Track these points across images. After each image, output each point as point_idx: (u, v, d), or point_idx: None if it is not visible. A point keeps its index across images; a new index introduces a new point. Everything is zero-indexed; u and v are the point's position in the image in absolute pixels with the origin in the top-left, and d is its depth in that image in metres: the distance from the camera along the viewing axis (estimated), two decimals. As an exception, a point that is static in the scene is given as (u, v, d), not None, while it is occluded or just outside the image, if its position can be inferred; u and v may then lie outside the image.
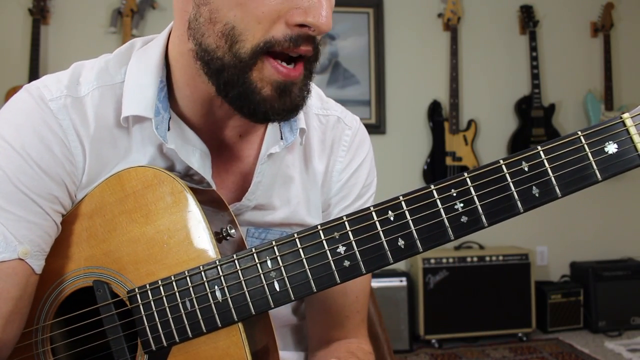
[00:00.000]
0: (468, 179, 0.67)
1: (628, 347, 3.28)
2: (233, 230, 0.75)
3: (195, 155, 0.80)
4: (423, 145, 3.77)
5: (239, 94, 0.72)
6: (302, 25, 0.69)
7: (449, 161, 3.69)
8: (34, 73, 3.27)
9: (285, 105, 0.73)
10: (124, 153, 0.80)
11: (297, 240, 0.71)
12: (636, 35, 4.03)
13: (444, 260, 3.40)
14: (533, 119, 3.76)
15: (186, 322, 0.73)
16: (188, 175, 0.81)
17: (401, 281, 3.35)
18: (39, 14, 3.34)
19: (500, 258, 3.44)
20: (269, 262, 0.71)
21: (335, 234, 0.70)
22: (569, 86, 3.93)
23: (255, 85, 0.71)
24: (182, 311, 0.73)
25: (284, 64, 0.71)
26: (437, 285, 3.38)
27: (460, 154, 3.70)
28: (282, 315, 0.93)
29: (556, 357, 3.16)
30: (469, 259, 3.42)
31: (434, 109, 3.75)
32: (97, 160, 0.79)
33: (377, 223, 0.69)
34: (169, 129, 0.79)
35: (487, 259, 3.43)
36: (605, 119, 3.78)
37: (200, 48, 0.73)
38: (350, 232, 0.69)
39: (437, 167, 3.70)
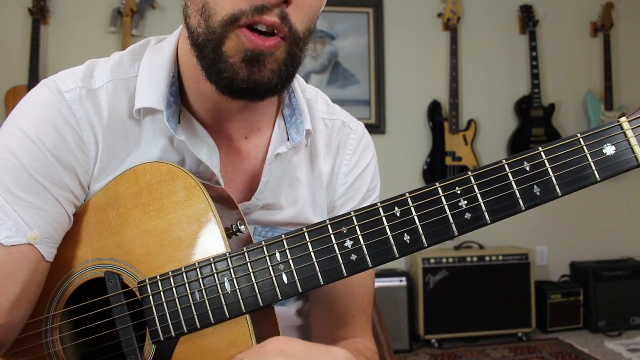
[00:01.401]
0: (472, 178, 0.69)
1: (628, 347, 3.29)
2: (243, 227, 0.77)
3: (204, 149, 0.82)
4: (423, 145, 3.78)
5: (209, 63, 0.73)
6: None
7: (449, 161, 3.70)
8: (34, 73, 3.28)
9: (254, 75, 0.72)
10: (134, 144, 0.82)
11: (305, 234, 0.72)
12: (636, 35, 4.05)
13: (444, 260, 3.41)
14: (533, 119, 3.77)
15: (195, 313, 0.74)
16: (198, 172, 0.83)
17: (401, 281, 3.36)
18: (39, 14, 3.35)
19: (500, 258, 3.45)
20: (278, 255, 0.73)
21: (343, 228, 0.71)
22: (569, 86, 3.94)
23: (225, 54, 0.72)
24: (192, 302, 0.74)
25: (256, 33, 0.71)
26: (437, 285, 3.39)
27: (460, 154, 3.71)
28: (287, 316, 0.95)
29: (556, 357, 3.17)
30: (469, 259, 3.43)
31: (434, 109, 3.76)
32: (109, 151, 0.81)
33: (383, 219, 0.70)
34: (179, 122, 0.81)
35: (487, 259, 3.44)
36: (605, 119, 3.83)
37: (190, 32, 0.75)
38: (357, 227, 0.71)
39: (437, 167, 3.71)
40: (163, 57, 0.83)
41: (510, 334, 3.47)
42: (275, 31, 0.71)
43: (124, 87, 0.83)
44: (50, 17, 3.44)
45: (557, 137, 3.77)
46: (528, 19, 3.82)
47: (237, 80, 0.72)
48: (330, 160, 0.94)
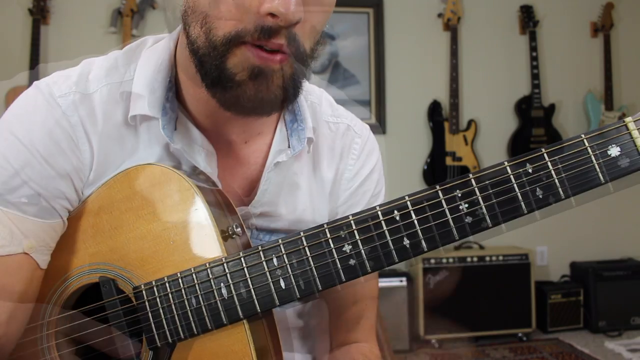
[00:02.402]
0: (473, 180, 0.68)
1: (628, 347, 3.28)
2: (239, 229, 0.76)
3: (201, 155, 0.80)
4: (423, 145, 3.77)
5: (213, 80, 0.71)
6: (272, 16, 0.66)
7: (449, 161, 3.69)
8: (34, 73, 3.27)
9: (261, 92, 0.70)
10: (130, 151, 0.80)
11: (303, 238, 0.71)
12: (636, 35, 4.04)
13: (444, 260, 3.40)
14: (533, 119, 3.76)
15: (192, 319, 0.73)
16: (194, 174, 0.81)
17: (401, 281, 3.35)
18: (39, 14, 3.34)
19: (500, 258, 3.44)
20: (274, 260, 0.72)
21: (341, 232, 0.70)
22: (569, 86, 3.93)
23: (230, 71, 0.69)
24: (188, 308, 0.73)
25: (262, 50, 0.69)
26: (437, 285, 3.38)
27: (460, 154, 3.70)
28: (286, 317, 0.93)
29: (556, 357, 3.16)
30: (469, 259, 3.42)
31: (434, 109, 3.75)
32: (104, 157, 0.79)
33: (382, 222, 0.69)
34: (175, 129, 0.79)
35: (487, 259, 3.43)
36: (605, 119, 3.81)
37: (189, 40, 0.73)
38: (356, 231, 0.70)
39: (437, 167, 3.70)
40: (159, 59, 0.80)
41: (510, 334, 3.46)
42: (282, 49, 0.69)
43: (119, 91, 0.80)
44: (50, 17, 3.43)
45: (558, 137, 3.76)
46: (528, 19, 3.81)
47: (243, 99, 0.70)
48: (333, 165, 0.92)
